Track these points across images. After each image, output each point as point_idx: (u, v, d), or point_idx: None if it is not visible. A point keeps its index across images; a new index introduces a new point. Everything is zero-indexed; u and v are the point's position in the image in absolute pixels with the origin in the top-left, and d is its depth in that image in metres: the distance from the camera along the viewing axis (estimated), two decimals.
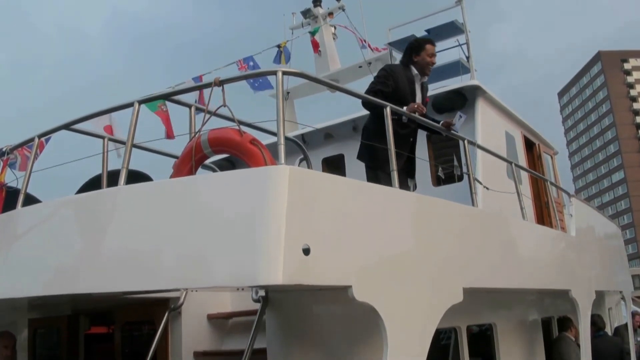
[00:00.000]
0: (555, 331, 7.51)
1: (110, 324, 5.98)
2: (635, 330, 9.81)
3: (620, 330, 9.43)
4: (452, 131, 5.31)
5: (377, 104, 4.56)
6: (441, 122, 5.38)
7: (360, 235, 3.34)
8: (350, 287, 3.10)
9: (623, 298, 9.55)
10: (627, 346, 8.44)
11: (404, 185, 5.37)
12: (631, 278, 11.30)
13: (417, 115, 5.07)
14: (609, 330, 9.59)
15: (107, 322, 6.05)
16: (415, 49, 5.56)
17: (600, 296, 7.89)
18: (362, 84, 9.36)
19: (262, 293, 4.72)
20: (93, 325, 6.10)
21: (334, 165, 7.67)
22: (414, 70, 5.56)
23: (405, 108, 5.05)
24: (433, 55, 5.60)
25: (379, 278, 3.37)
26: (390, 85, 5.32)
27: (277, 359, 4.49)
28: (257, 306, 4.77)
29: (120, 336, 5.75)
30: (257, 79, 8.01)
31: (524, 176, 7.22)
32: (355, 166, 7.14)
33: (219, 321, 5.62)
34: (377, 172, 5.10)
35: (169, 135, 5.22)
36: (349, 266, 3.19)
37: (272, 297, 4.72)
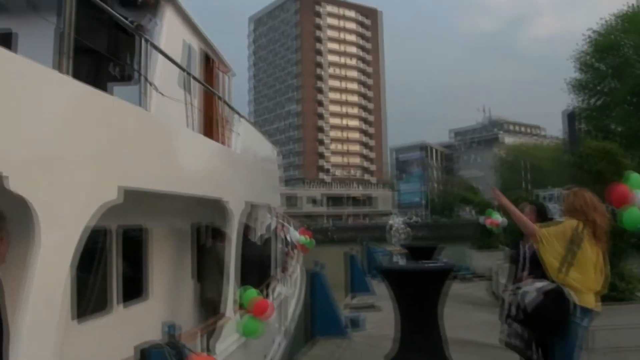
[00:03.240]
0: (207, 238, 8.15)
1: None
2: (279, 237, 11.20)
3: (266, 239, 10.68)
4: (140, 33, 5.26)
5: None
6: (135, 24, 5.26)
7: (20, 121, 3.05)
8: (7, 177, 2.82)
9: (270, 211, 10.77)
10: (268, 252, 9.64)
11: (106, 74, 5.15)
12: (279, 196, 12.78)
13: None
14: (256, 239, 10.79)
15: None
16: None
17: (251, 207, 8.72)
18: None
19: None
20: None
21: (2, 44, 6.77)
22: None
23: None
24: None
25: (35, 170, 3.14)
26: None
27: None
28: None
29: None
30: None
31: (197, 90, 7.46)
32: (30, 49, 6.43)
33: None
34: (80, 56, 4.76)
35: None
36: (6, 154, 2.90)
37: None
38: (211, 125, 7.67)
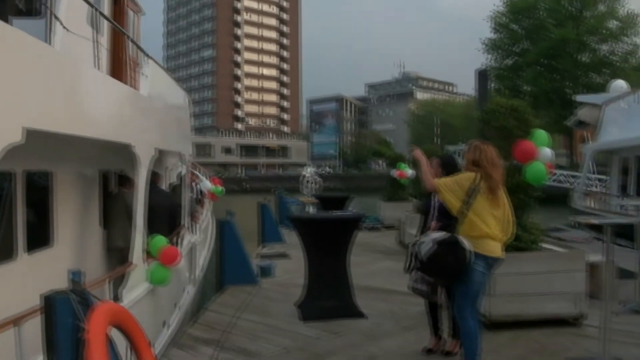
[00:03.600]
0: (115, 185, 7.89)
1: None
2: (189, 186, 10.98)
3: (175, 187, 10.48)
4: None
5: None
6: None
7: None
8: None
9: (182, 160, 10.52)
10: (178, 200, 9.46)
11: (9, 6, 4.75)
12: (191, 144, 12.49)
13: None
14: (166, 187, 10.57)
15: None
16: None
17: (161, 155, 8.49)
18: None
19: None
20: None
21: None
22: None
23: None
24: None
25: None
26: None
27: None
28: None
29: None
30: None
31: (106, 28, 7.09)
32: None
33: None
34: None
35: None
36: None
37: None
38: (120, 66, 7.33)
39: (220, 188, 16.43)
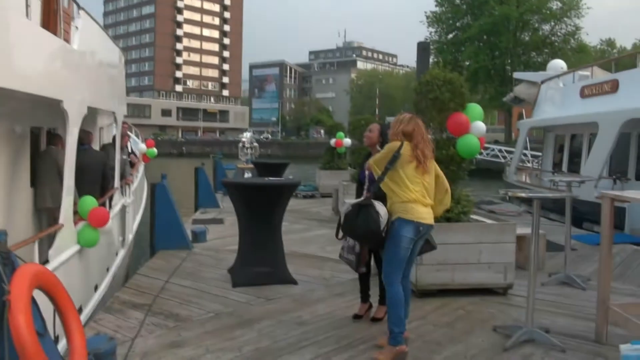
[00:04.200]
0: (44, 143, 7.60)
1: None
2: (122, 148, 10.68)
3: (107, 147, 10.15)
4: None
5: None
6: None
7: None
8: None
9: (115, 120, 10.19)
10: (111, 161, 9.20)
11: None
12: (126, 104, 12.13)
13: None
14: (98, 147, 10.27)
15: None
16: None
17: (93, 114, 8.20)
18: None
19: None
20: None
21: None
22: None
23: None
24: None
25: None
26: None
27: None
28: None
29: None
30: None
31: None
32: None
33: None
34: None
35: None
36: None
37: None
38: (52, 17, 6.96)
39: (153, 150, 16.07)
